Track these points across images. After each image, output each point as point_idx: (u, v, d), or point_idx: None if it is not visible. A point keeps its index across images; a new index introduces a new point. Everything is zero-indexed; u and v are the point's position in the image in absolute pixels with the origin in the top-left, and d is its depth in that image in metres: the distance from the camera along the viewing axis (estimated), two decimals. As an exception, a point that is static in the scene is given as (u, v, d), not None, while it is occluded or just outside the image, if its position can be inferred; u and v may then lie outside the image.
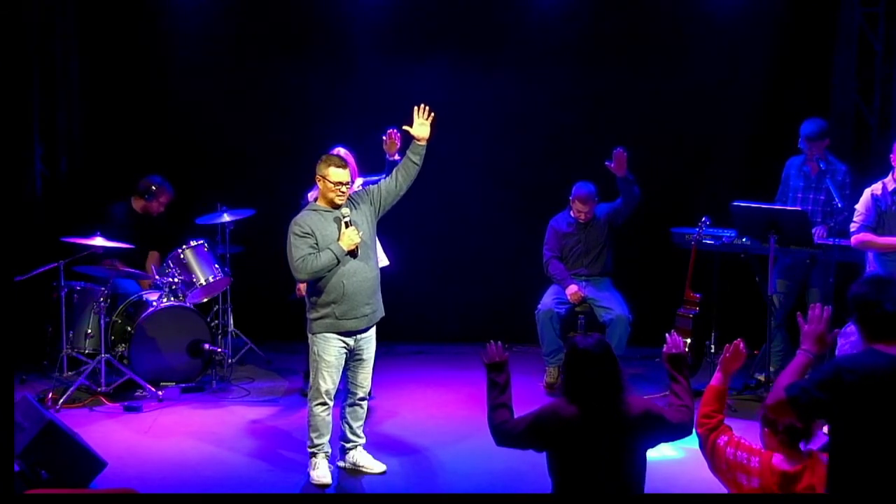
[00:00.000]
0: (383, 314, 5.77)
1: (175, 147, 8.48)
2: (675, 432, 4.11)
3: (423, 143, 5.68)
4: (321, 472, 5.66)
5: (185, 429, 6.58)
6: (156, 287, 7.56)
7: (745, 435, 4.14)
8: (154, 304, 7.34)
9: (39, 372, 7.55)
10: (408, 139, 5.78)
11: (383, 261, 6.21)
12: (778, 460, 3.93)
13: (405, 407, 7.05)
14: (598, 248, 7.49)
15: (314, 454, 5.69)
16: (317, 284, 5.53)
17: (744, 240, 7.16)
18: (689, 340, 7.11)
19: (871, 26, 7.95)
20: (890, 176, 6.34)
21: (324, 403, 5.61)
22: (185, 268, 7.46)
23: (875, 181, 6.47)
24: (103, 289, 7.20)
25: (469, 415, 6.70)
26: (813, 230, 6.81)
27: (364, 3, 8.46)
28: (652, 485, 4.75)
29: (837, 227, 6.77)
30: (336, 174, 5.48)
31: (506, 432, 4.12)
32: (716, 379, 4.16)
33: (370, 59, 8.47)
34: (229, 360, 7.72)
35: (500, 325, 7.49)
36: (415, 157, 5.68)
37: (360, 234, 5.51)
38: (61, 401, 6.83)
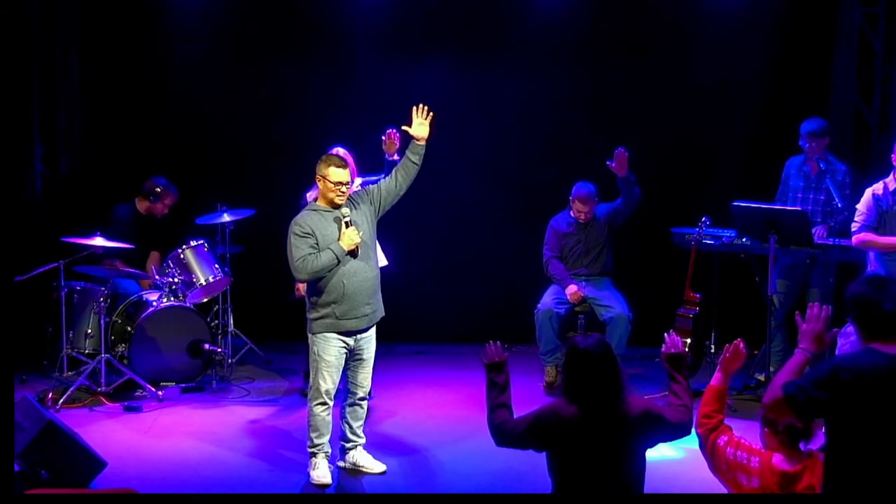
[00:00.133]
0: (383, 314, 5.78)
1: (175, 147, 8.48)
2: (674, 432, 4.11)
3: (423, 142, 5.68)
4: (321, 472, 5.66)
5: (185, 429, 6.58)
6: (156, 287, 7.56)
7: (745, 435, 4.14)
8: (154, 304, 7.34)
9: (39, 372, 7.55)
10: (407, 139, 5.78)
11: (382, 261, 6.21)
12: (778, 460, 3.92)
13: (405, 407, 7.05)
14: (598, 248, 7.49)
15: (314, 454, 5.69)
16: (317, 284, 5.53)
17: (744, 240, 7.16)
18: (689, 340, 7.11)
19: (871, 26, 7.95)
20: (891, 175, 6.34)
21: (324, 403, 5.61)
22: (185, 268, 7.46)
23: (875, 181, 6.47)
24: (103, 289, 7.20)
25: (469, 415, 6.70)
26: (813, 230, 6.81)
27: (364, 3, 8.46)
28: (652, 485, 4.75)
29: (837, 227, 6.77)
30: (336, 174, 5.48)
31: (506, 432, 4.12)
32: (716, 379, 4.16)
33: (370, 59, 8.47)
34: (229, 360, 7.72)
35: (500, 325, 7.50)
36: (414, 156, 5.68)
37: (361, 234, 5.51)
38: (61, 401, 6.83)
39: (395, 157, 6.43)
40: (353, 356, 5.68)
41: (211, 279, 7.50)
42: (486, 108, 8.53)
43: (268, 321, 8.20)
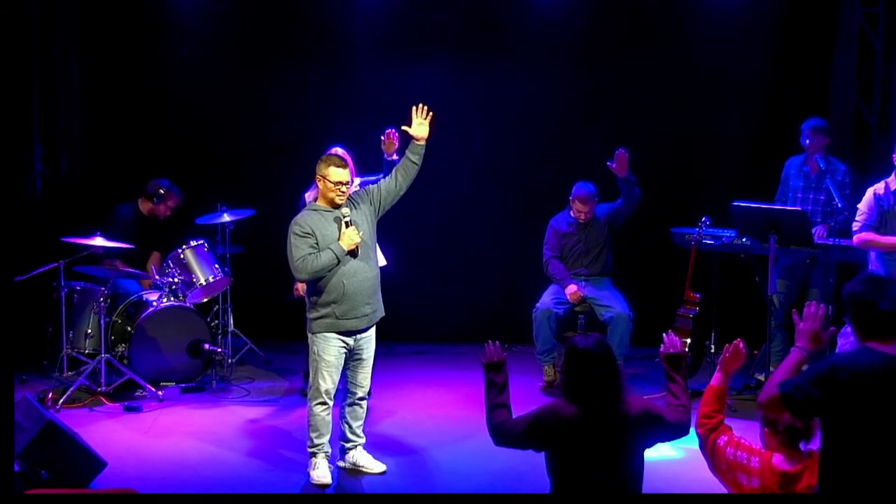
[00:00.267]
0: (383, 314, 5.77)
1: (175, 147, 8.48)
2: (673, 432, 4.11)
3: (422, 142, 5.68)
4: (321, 472, 5.66)
5: (185, 429, 6.57)
6: (156, 287, 7.56)
7: (745, 435, 4.14)
8: (154, 304, 7.34)
9: (39, 372, 7.55)
10: (406, 139, 5.78)
11: (381, 261, 6.21)
12: (778, 460, 3.93)
13: (405, 407, 7.05)
14: (598, 248, 7.49)
15: (314, 454, 5.69)
16: (317, 284, 5.53)
17: (744, 240, 7.16)
18: (689, 340, 7.11)
19: (871, 26, 7.95)
20: (892, 175, 6.35)
21: (324, 403, 5.61)
22: (185, 268, 7.46)
23: (875, 181, 6.47)
24: (103, 289, 7.20)
25: (469, 415, 6.70)
26: (813, 230, 6.82)
27: (364, 3, 8.47)
28: (652, 485, 4.74)
29: (837, 227, 6.77)
30: (336, 174, 5.48)
31: (505, 432, 4.12)
32: (716, 379, 4.16)
33: (370, 59, 8.48)
34: (229, 360, 7.72)
35: (500, 325, 7.51)
36: (414, 156, 5.68)
37: (361, 233, 5.51)
38: (61, 401, 6.83)
39: (395, 156, 6.44)
40: (352, 356, 5.68)
41: (211, 279, 7.50)
42: (486, 108, 8.53)
43: (268, 321, 8.20)
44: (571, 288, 7.35)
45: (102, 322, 7.14)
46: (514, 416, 4.15)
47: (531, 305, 7.42)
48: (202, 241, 7.58)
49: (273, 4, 8.52)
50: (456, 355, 8.20)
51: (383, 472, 5.82)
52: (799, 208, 6.99)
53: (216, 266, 7.57)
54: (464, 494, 5.38)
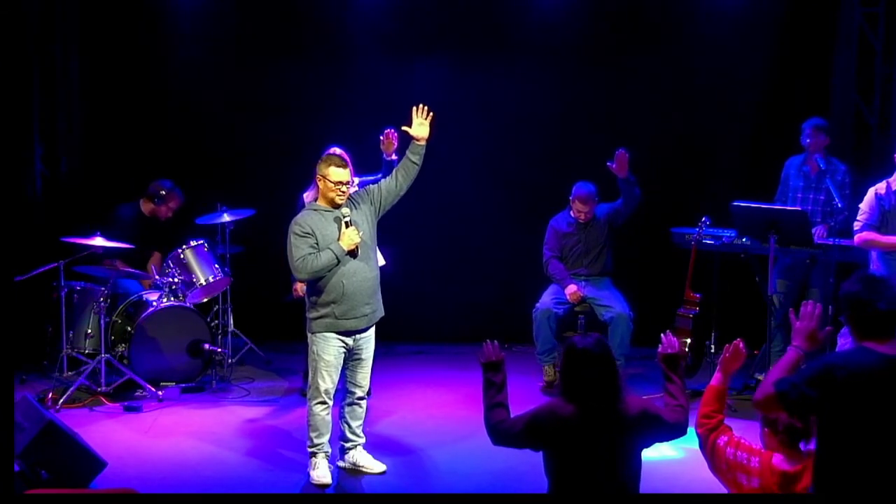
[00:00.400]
0: (383, 314, 5.77)
1: (175, 147, 8.48)
2: (670, 432, 4.11)
3: (423, 143, 5.68)
4: (321, 472, 5.66)
5: (185, 429, 6.57)
6: (156, 287, 7.56)
7: (745, 435, 4.14)
8: (154, 304, 7.34)
9: (39, 372, 7.55)
10: (406, 139, 5.78)
11: (380, 261, 6.22)
12: (778, 460, 3.93)
13: (405, 407, 7.05)
14: (598, 248, 7.49)
15: (314, 454, 5.69)
16: (316, 284, 5.53)
17: (744, 240, 7.16)
18: (689, 340, 7.11)
19: (871, 26, 7.95)
20: (894, 175, 6.34)
21: (323, 403, 5.61)
22: (185, 268, 7.46)
23: (875, 181, 6.47)
24: (103, 289, 7.20)
25: (469, 415, 6.70)
26: (813, 230, 6.82)
27: (364, 3, 8.47)
28: (652, 485, 4.74)
29: (837, 226, 6.78)
30: (336, 174, 5.48)
31: (503, 432, 4.12)
32: (716, 379, 4.16)
33: (370, 59, 8.48)
34: (229, 360, 7.72)
35: (500, 325, 7.52)
36: (414, 157, 5.67)
37: (361, 233, 5.50)
38: (61, 401, 6.83)
39: (393, 156, 6.44)
40: (351, 356, 5.68)
41: (211, 279, 7.50)
42: (486, 108, 8.53)
43: (268, 321, 8.20)
44: (571, 288, 7.35)
45: (102, 322, 7.14)
46: (512, 416, 4.15)
47: (531, 305, 7.42)
48: (202, 241, 7.58)
49: (273, 4, 8.52)
50: (456, 355, 8.20)
51: (383, 472, 5.82)
52: (799, 208, 6.99)
53: (216, 266, 7.57)
54: (464, 494, 5.38)
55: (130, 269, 7.45)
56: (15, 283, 6.69)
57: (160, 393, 7.11)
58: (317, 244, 5.44)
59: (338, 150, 6.36)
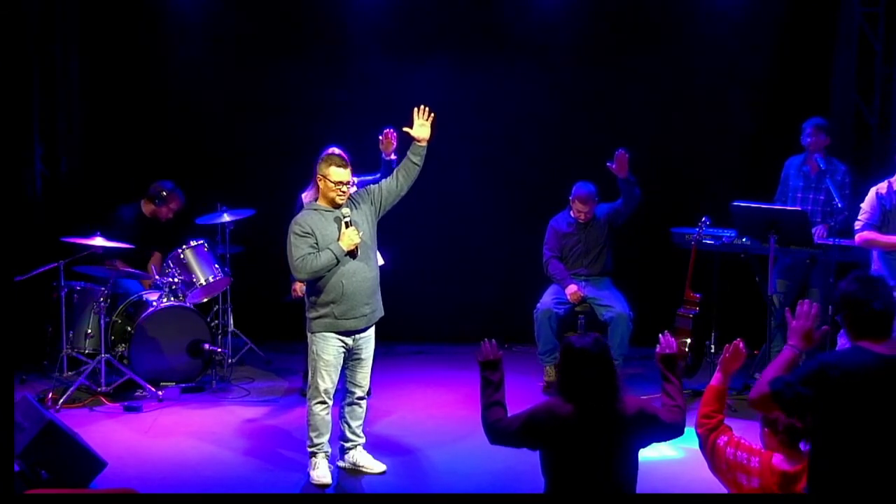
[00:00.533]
0: (382, 314, 5.77)
1: (175, 147, 8.49)
2: (667, 432, 4.11)
3: (424, 143, 5.68)
4: (321, 472, 5.66)
5: (185, 429, 6.57)
6: (156, 287, 7.56)
7: (745, 435, 4.14)
8: (154, 304, 7.34)
9: (39, 372, 7.55)
10: (406, 139, 5.78)
11: (378, 261, 6.21)
12: (778, 460, 3.93)
13: (404, 407, 7.05)
14: (598, 248, 7.49)
15: (314, 454, 5.69)
16: (316, 284, 5.53)
17: (744, 240, 7.16)
18: (689, 340, 7.11)
19: (871, 26, 7.95)
20: (895, 175, 6.35)
21: (323, 402, 5.61)
22: (185, 268, 7.46)
23: (875, 181, 6.47)
24: (103, 289, 7.20)
25: (468, 415, 6.69)
26: (813, 230, 6.82)
27: (364, 3, 8.47)
28: (652, 485, 4.75)
29: (837, 227, 6.77)
30: (337, 174, 5.48)
31: (500, 430, 4.13)
32: (716, 379, 4.16)
33: (370, 58, 8.48)
34: (229, 360, 7.73)
35: (500, 325, 7.53)
36: (415, 157, 5.67)
37: (360, 234, 5.50)
38: (61, 401, 6.83)
39: (392, 156, 6.45)
40: (351, 356, 5.68)
41: (211, 279, 7.50)
42: (486, 108, 8.53)
43: (268, 321, 8.20)
44: (571, 288, 7.35)
45: (102, 322, 7.14)
46: (509, 415, 4.15)
47: (531, 305, 7.41)
48: (202, 241, 7.58)
49: (273, 4, 8.52)
50: (456, 355, 8.19)
51: (383, 472, 5.82)
52: (799, 208, 6.99)
53: (216, 266, 7.57)
54: (463, 494, 5.38)
55: (130, 269, 7.45)
56: (15, 283, 6.68)
57: (160, 393, 7.11)
58: (316, 244, 5.44)
59: (337, 150, 6.36)
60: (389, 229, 6.14)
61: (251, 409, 7.01)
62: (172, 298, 7.38)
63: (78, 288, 7.40)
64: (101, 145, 8.52)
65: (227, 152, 8.54)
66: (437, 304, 8.65)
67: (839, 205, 6.80)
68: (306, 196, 6.39)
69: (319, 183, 5.55)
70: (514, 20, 8.45)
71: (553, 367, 7.30)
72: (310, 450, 5.69)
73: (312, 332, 5.60)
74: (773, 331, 7.11)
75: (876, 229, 6.30)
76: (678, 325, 7.16)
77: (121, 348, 7.32)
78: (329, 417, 5.67)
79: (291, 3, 8.52)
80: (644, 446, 4.08)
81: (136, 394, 7.16)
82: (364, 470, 5.83)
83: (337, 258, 5.44)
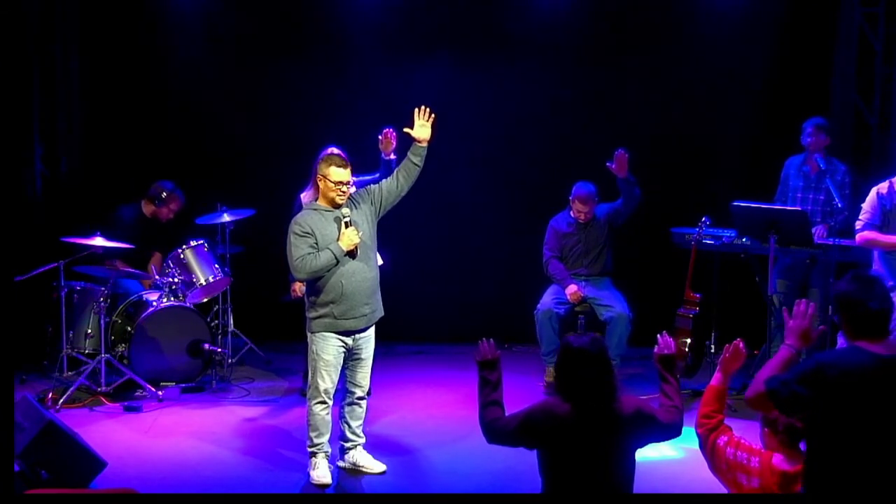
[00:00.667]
0: (382, 314, 5.77)
1: (175, 147, 8.49)
2: (665, 432, 4.11)
3: (424, 144, 5.68)
4: (321, 472, 5.66)
5: (185, 429, 6.57)
6: (156, 287, 7.56)
7: (745, 435, 4.14)
8: (154, 304, 7.34)
9: (39, 372, 7.55)
10: (406, 139, 5.78)
11: (378, 261, 6.22)
12: (778, 460, 3.93)
13: (404, 406, 7.05)
14: (598, 248, 7.49)
15: (314, 454, 5.69)
16: (315, 284, 5.53)
17: (744, 240, 7.16)
18: (689, 340, 7.11)
19: (871, 26, 7.95)
20: None
21: (323, 402, 5.61)
22: (185, 268, 7.46)
23: (875, 181, 6.48)
24: (103, 289, 7.20)
25: (468, 414, 6.66)
26: (813, 230, 6.82)
27: (364, 3, 8.47)
28: (652, 485, 4.75)
29: (837, 226, 6.78)
30: (337, 174, 5.48)
31: (497, 430, 4.13)
32: (716, 379, 4.16)
33: (370, 59, 8.48)
34: (229, 360, 7.73)
35: (500, 325, 7.51)
36: (416, 158, 5.67)
37: (360, 234, 5.50)
38: (61, 401, 6.83)
39: (392, 156, 6.45)
40: (351, 356, 5.68)
41: (211, 279, 7.50)
42: (486, 108, 8.53)
43: (268, 321, 8.20)
44: (571, 288, 7.35)
45: (102, 322, 7.14)
46: (507, 414, 4.15)
47: (531, 305, 7.41)
48: (202, 241, 7.58)
49: (273, 4, 8.52)
50: (456, 355, 8.19)
51: (383, 472, 5.82)
52: (799, 208, 6.99)
53: (216, 266, 7.57)
54: (463, 494, 5.38)
55: (131, 269, 7.45)
56: (15, 283, 6.69)
57: (160, 393, 7.11)
58: (316, 244, 5.44)
59: (336, 150, 6.37)
60: (389, 229, 6.15)
61: (251, 409, 7.01)
62: (172, 298, 7.38)
63: (78, 288, 7.40)
64: (101, 145, 8.52)
65: (227, 152, 8.54)
66: (437, 304, 8.65)
67: (839, 205, 6.80)
68: (305, 196, 6.39)
69: (319, 183, 5.55)
70: (514, 20, 8.45)
71: (554, 367, 7.30)
72: (310, 450, 5.69)
73: (312, 332, 5.60)
74: (773, 331, 7.11)
75: (877, 229, 6.30)
76: (678, 325, 7.16)
77: (121, 348, 7.32)
78: (329, 417, 5.67)
79: (291, 3, 8.52)
80: (641, 446, 4.08)
81: (136, 394, 7.16)
82: (364, 470, 5.83)
83: (336, 258, 5.44)
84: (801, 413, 3.59)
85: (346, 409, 5.82)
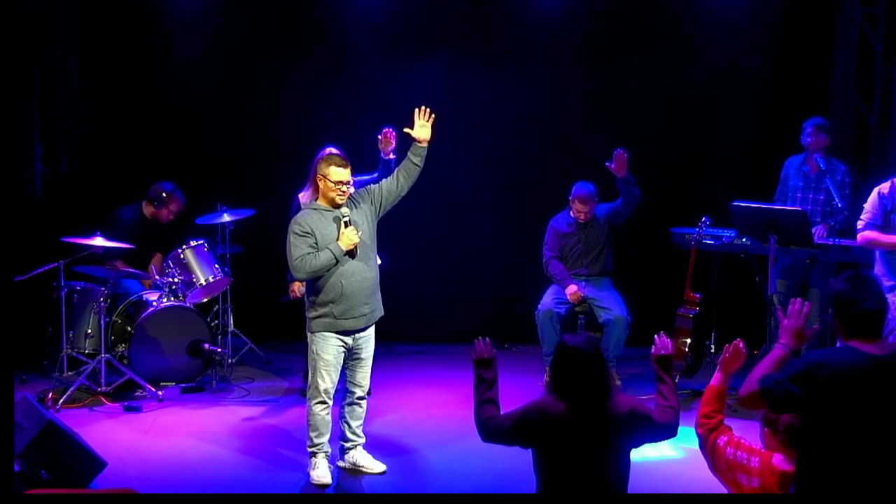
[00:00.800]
0: (382, 314, 5.77)
1: (175, 147, 8.48)
2: (661, 432, 4.11)
3: (424, 144, 5.68)
4: (321, 472, 5.66)
5: (185, 429, 6.58)
6: (156, 287, 7.56)
7: (745, 435, 4.14)
8: (154, 304, 7.34)
9: (39, 372, 7.55)
10: (406, 139, 5.78)
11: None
12: (778, 460, 3.92)
13: (405, 406, 7.05)
14: (598, 249, 7.49)
15: (314, 454, 5.69)
16: (315, 284, 5.54)
17: (744, 240, 7.16)
18: (689, 340, 7.11)
19: (871, 26, 7.95)
20: None
21: (323, 402, 5.61)
22: (185, 268, 7.46)
23: (875, 181, 6.48)
24: (103, 289, 7.20)
25: (468, 415, 6.56)
26: (813, 230, 6.82)
27: (364, 3, 8.47)
28: (652, 485, 4.75)
29: (837, 226, 6.78)
30: (337, 173, 5.48)
31: (492, 428, 4.14)
32: (716, 379, 4.16)
33: (370, 59, 8.48)
34: (229, 360, 7.73)
35: (500, 325, 7.53)
36: (416, 158, 5.67)
37: (360, 233, 5.50)
38: (61, 401, 6.83)
39: (391, 155, 6.45)
40: (351, 355, 5.68)
41: (211, 279, 7.50)
42: (485, 109, 8.53)
43: (268, 321, 8.20)
44: (571, 288, 7.35)
45: (102, 322, 7.14)
46: (502, 413, 4.15)
47: (531, 305, 7.41)
48: (202, 241, 7.58)
49: (273, 4, 8.52)
50: (456, 355, 8.18)
51: (383, 472, 5.82)
52: (799, 208, 6.99)
53: (216, 266, 7.57)
54: (463, 494, 5.38)
55: (131, 269, 7.45)
56: (15, 283, 6.68)
57: (160, 393, 7.11)
58: (316, 244, 5.44)
59: (335, 150, 6.37)
60: (389, 229, 6.15)
61: (251, 409, 7.01)
62: (172, 298, 7.38)
63: (78, 288, 7.40)
64: (101, 145, 8.52)
65: (227, 152, 8.54)
66: (437, 304, 8.65)
67: (839, 205, 6.80)
68: (303, 196, 6.40)
69: (319, 183, 5.55)
70: (514, 20, 8.45)
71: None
72: (310, 450, 5.69)
73: (312, 332, 5.60)
74: (773, 331, 7.09)
75: (878, 229, 6.30)
76: (678, 325, 7.16)
77: (121, 348, 7.32)
78: (329, 417, 5.67)
79: (291, 3, 8.52)
80: (636, 446, 4.08)
81: (136, 394, 7.16)
82: (364, 470, 5.83)
83: (336, 258, 5.44)
84: (795, 412, 3.59)
85: (346, 409, 5.82)
